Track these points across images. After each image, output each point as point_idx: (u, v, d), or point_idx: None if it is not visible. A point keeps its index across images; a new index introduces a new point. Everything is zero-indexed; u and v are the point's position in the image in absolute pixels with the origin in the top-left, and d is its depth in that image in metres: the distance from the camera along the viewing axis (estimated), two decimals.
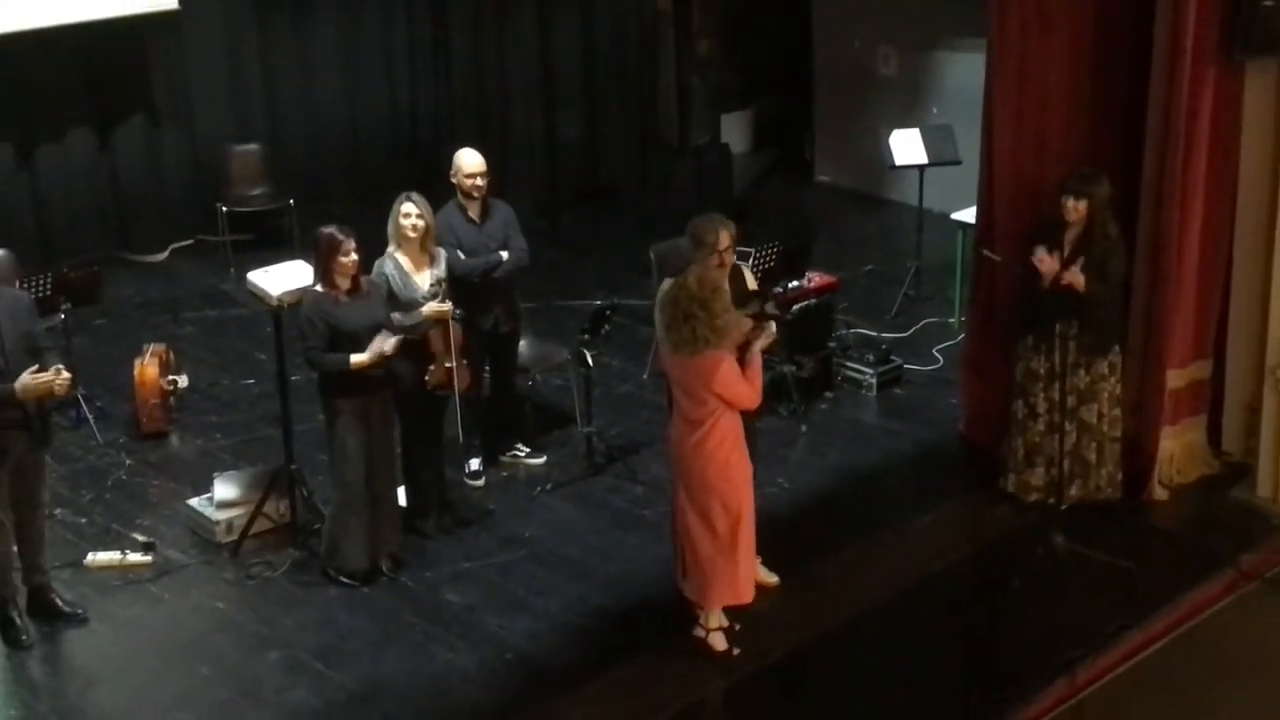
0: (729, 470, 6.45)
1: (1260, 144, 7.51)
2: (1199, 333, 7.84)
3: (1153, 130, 7.59)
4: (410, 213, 7.31)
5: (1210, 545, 7.39)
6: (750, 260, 8.22)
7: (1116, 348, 7.53)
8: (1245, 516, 7.65)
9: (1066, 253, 7.31)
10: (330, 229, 6.97)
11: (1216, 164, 7.53)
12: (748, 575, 6.64)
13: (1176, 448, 7.91)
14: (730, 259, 6.96)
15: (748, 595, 6.66)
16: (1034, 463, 7.69)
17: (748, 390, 6.40)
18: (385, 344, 6.90)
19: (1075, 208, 7.25)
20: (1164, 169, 7.52)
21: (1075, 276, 7.19)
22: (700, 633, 6.70)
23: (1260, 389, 7.72)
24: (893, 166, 10.69)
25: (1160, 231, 7.59)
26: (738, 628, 6.71)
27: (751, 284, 7.21)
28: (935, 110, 11.90)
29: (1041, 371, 7.53)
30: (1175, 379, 7.77)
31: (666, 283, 6.62)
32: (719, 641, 6.69)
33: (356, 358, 6.87)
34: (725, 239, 6.85)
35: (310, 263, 7.19)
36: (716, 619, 6.67)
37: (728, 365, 6.31)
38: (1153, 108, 7.56)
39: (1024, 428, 7.68)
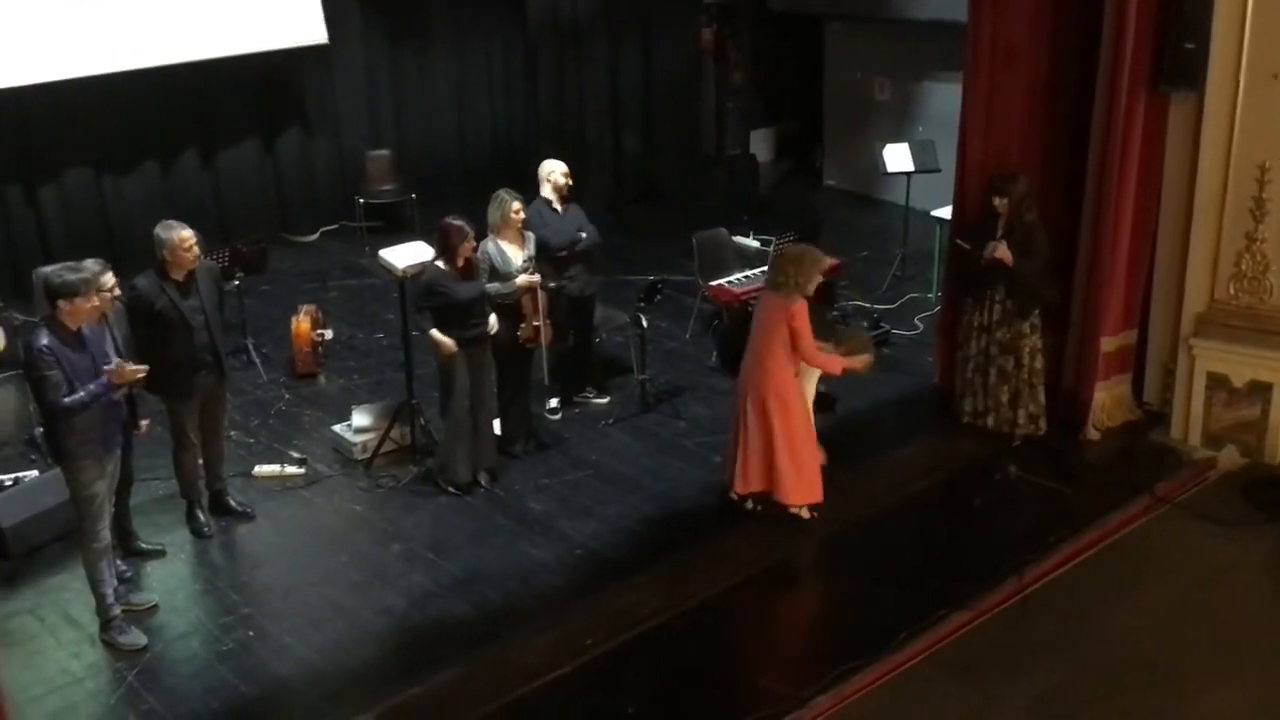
0: (794, 394, 6.56)
1: (1180, 159, 7.37)
2: (1128, 308, 7.72)
3: (1094, 146, 7.47)
4: (518, 207, 7.33)
5: (1132, 476, 7.31)
6: (771, 246, 8.15)
7: (1036, 312, 7.45)
8: (1160, 454, 7.55)
9: (999, 234, 7.29)
10: (460, 223, 6.94)
11: (1144, 174, 7.40)
12: (817, 475, 6.74)
13: (1107, 399, 7.81)
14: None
15: (817, 493, 6.77)
16: (964, 395, 7.73)
17: (809, 344, 6.48)
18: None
19: (1000, 203, 7.26)
20: (1103, 178, 7.41)
21: (1004, 252, 7.18)
22: (792, 510, 6.78)
23: (1175, 353, 7.62)
24: (885, 173, 10.59)
25: (1098, 227, 7.49)
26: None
27: None
28: (920, 129, 11.76)
29: (975, 325, 7.53)
30: (1108, 344, 7.68)
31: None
32: (805, 514, 6.81)
33: (436, 335, 6.93)
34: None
35: (430, 244, 7.19)
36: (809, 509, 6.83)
37: (802, 309, 6.44)
38: (1095, 128, 7.44)
39: (959, 367, 7.72)
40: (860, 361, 6.84)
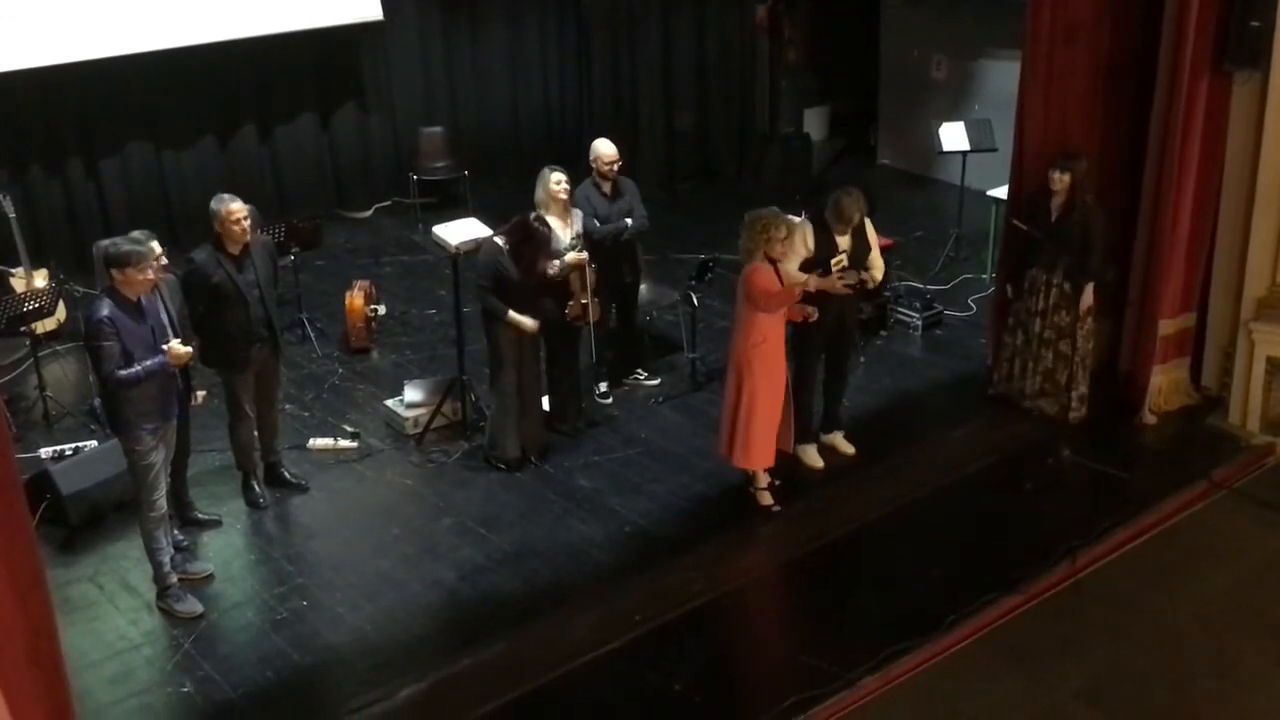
0: (756, 363, 6.47)
1: (1243, 139, 7.23)
2: (1187, 291, 7.61)
3: (1155, 126, 7.37)
4: (560, 180, 7.32)
5: (1189, 461, 7.22)
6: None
7: (1091, 289, 7.29)
8: (1218, 439, 7.45)
9: (1054, 217, 7.20)
10: (542, 226, 6.91)
11: (1206, 154, 7.28)
12: (763, 447, 6.66)
13: (1164, 383, 7.72)
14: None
15: (764, 462, 6.71)
16: (1011, 377, 7.66)
17: (775, 297, 6.38)
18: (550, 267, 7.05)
19: (1059, 179, 7.14)
20: (1164, 158, 7.29)
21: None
22: (751, 490, 6.80)
23: (1234, 337, 7.50)
24: (941, 152, 10.48)
25: (1158, 208, 7.38)
26: (777, 482, 6.86)
27: (874, 242, 7.23)
28: (977, 107, 11.62)
29: (1032, 310, 7.45)
30: (1166, 327, 7.58)
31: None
32: (765, 498, 6.80)
33: (515, 316, 6.89)
34: (857, 218, 7.04)
35: (483, 222, 7.19)
36: (763, 479, 6.79)
37: (761, 274, 6.37)
38: (1156, 107, 7.34)
39: (1018, 350, 7.63)
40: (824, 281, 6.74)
